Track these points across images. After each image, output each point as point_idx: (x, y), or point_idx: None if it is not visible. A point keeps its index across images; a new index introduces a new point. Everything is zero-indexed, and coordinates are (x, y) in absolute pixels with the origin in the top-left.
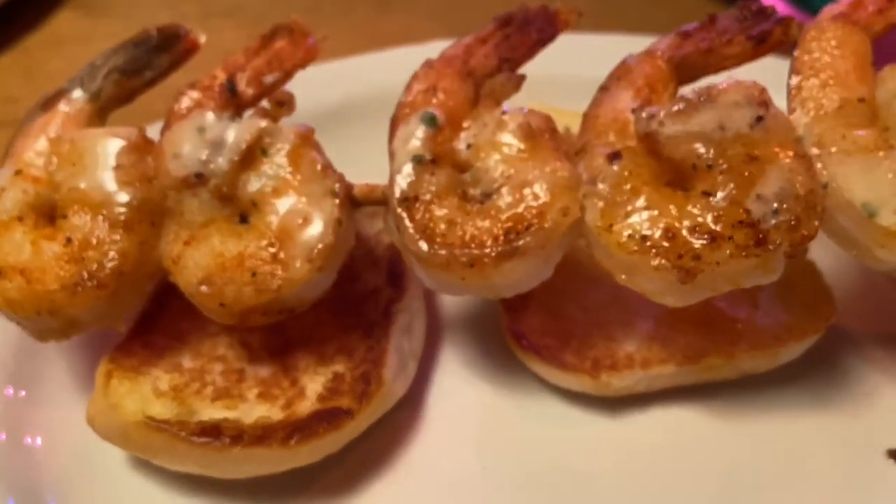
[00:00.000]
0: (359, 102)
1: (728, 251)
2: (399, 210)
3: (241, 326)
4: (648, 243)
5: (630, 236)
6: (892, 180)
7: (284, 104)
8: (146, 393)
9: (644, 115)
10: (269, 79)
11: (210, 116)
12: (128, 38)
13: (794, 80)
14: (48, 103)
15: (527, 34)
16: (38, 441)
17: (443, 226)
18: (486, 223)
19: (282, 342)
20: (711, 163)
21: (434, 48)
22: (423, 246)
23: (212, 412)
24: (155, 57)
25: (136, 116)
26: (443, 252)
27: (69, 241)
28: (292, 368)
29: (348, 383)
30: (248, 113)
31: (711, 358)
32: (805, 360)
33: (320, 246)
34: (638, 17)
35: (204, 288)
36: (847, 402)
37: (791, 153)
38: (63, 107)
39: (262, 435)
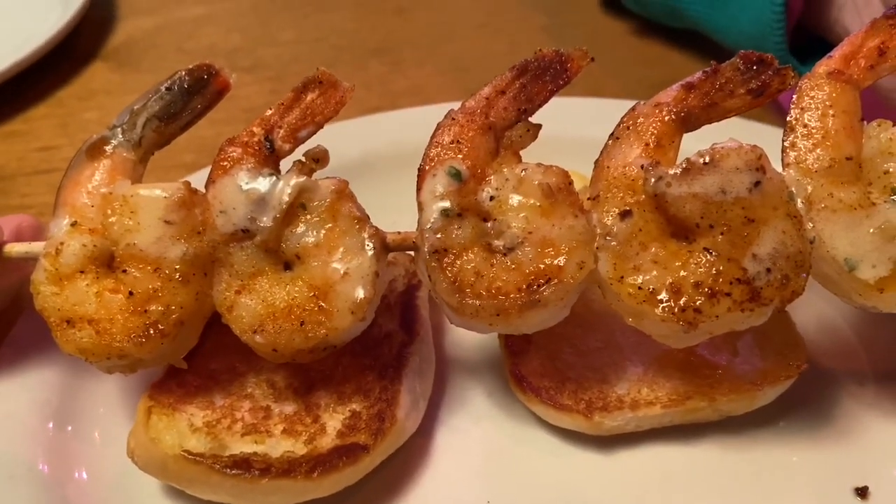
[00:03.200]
0: (376, 158)
1: (726, 306)
2: (431, 262)
3: (290, 362)
4: (655, 296)
5: (639, 288)
6: (871, 237)
7: (319, 160)
8: (182, 428)
9: (653, 177)
10: (303, 133)
11: (252, 174)
12: (160, 83)
13: (789, 137)
14: (92, 151)
15: (542, 82)
16: (84, 475)
17: (471, 278)
18: (511, 276)
19: (304, 382)
20: (713, 223)
21: (445, 108)
22: (455, 297)
23: (242, 446)
24: (189, 100)
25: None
26: (471, 302)
27: (132, 294)
28: (314, 406)
29: (365, 421)
30: (286, 167)
31: (694, 401)
32: (780, 404)
33: (361, 298)
34: (633, 78)
35: (258, 338)
36: (818, 443)
37: (784, 214)
38: (107, 156)
39: (288, 468)
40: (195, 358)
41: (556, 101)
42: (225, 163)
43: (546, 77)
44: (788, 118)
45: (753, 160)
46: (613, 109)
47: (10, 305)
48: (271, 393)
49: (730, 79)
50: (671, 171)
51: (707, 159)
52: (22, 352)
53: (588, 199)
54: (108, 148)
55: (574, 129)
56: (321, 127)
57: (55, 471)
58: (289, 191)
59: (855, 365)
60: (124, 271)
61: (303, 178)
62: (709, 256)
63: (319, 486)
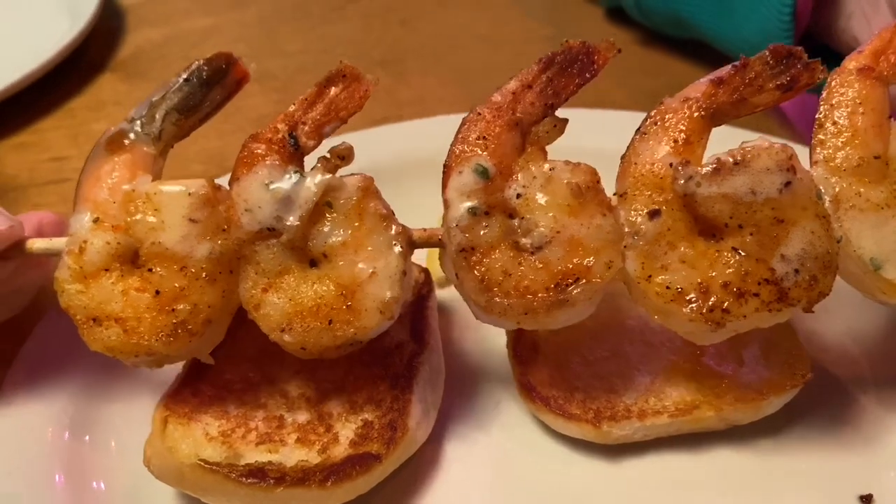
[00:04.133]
0: (383, 168)
1: (754, 307)
2: (459, 261)
3: (318, 358)
4: (684, 296)
5: (667, 288)
6: None
7: (345, 157)
8: (198, 437)
9: (683, 177)
10: (328, 129)
11: (277, 172)
12: (178, 74)
13: (817, 135)
14: (111, 145)
15: (569, 76)
16: (102, 485)
17: (499, 277)
18: (539, 275)
19: (317, 391)
20: (742, 223)
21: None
22: (483, 297)
23: (256, 455)
24: (209, 91)
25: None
26: (500, 301)
27: (158, 293)
28: (326, 416)
29: (377, 430)
30: (311, 164)
31: (701, 410)
32: (784, 413)
33: (389, 298)
34: (637, 88)
35: (287, 336)
36: (822, 451)
37: (813, 214)
38: (126, 150)
39: (302, 477)
40: (210, 368)
41: (563, 112)
42: (249, 160)
43: (573, 70)
44: (818, 115)
45: (784, 160)
46: (619, 120)
47: (32, 304)
48: (284, 402)
49: (759, 73)
50: (701, 171)
51: (738, 159)
52: (38, 363)
53: (615, 194)
54: (126, 142)
55: (580, 140)
56: (345, 121)
57: (72, 480)
58: (315, 189)
59: (857, 375)
60: (150, 270)
61: (328, 177)
62: (737, 256)
63: (333, 495)
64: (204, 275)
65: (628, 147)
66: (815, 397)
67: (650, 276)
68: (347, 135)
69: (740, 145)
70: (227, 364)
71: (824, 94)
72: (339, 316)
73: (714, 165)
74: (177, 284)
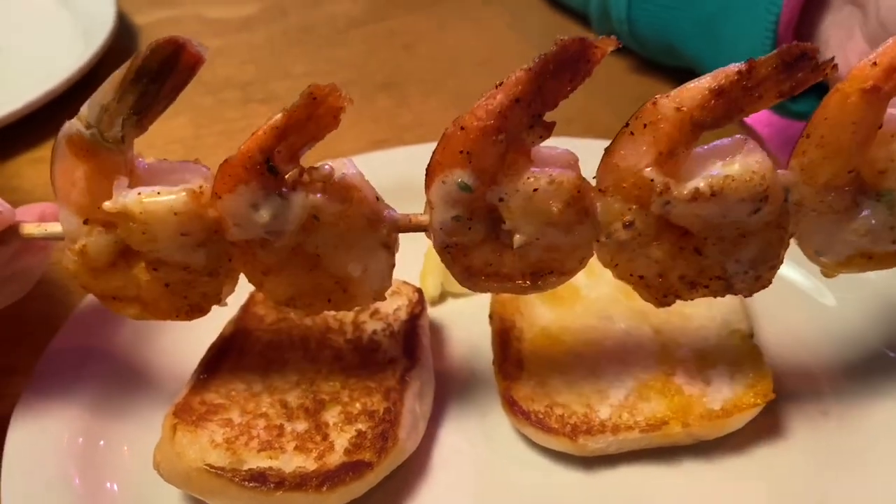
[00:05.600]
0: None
1: (702, 294)
2: (443, 255)
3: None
4: (643, 280)
5: (630, 274)
6: (845, 235)
7: (325, 182)
8: (204, 444)
9: (660, 200)
10: (304, 150)
11: (258, 196)
12: (126, 70)
13: (803, 142)
14: (74, 148)
15: (561, 80)
16: (115, 486)
17: (481, 266)
18: (517, 265)
19: (315, 402)
20: (708, 235)
21: None
22: (467, 282)
23: (258, 461)
24: (162, 86)
25: None
26: (482, 284)
27: (168, 285)
28: (323, 425)
29: (370, 440)
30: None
31: (670, 426)
32: (748, 430)
33: (381, 287)
34: (627, 114)
35: (291, 309)
36: (782, 466)
37: (774, 226)
38: (93, 155)
39: (300, 482)
40: (214, 379)
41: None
42: (229, 183)
43: (565, 74)
44: (810, 122)
45: (760, 193)
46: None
47: (45, 317)
48: (284, 412)
49: (763, 79)
50: (679, 196)
51: (716, 190)
52: (56, 374)
53: (597, 188)
54: (89, 147)
55: None
56: (322, 139)
57: (88, 482)
58: (299, 212)
59: (818, 396)
60: (155, 269)
61: (311, 197)
62: (697, 257)
63: (328, 499)
64: (206, 272)
65: (615, 139)
66: (777, 416)
67: (617, 265)
68: (350, 158)
69: (722, 172)
70: (232, 375)
71: (821, 106)
72: (336, 297)
73: (692, 194)
74: (183, 279)
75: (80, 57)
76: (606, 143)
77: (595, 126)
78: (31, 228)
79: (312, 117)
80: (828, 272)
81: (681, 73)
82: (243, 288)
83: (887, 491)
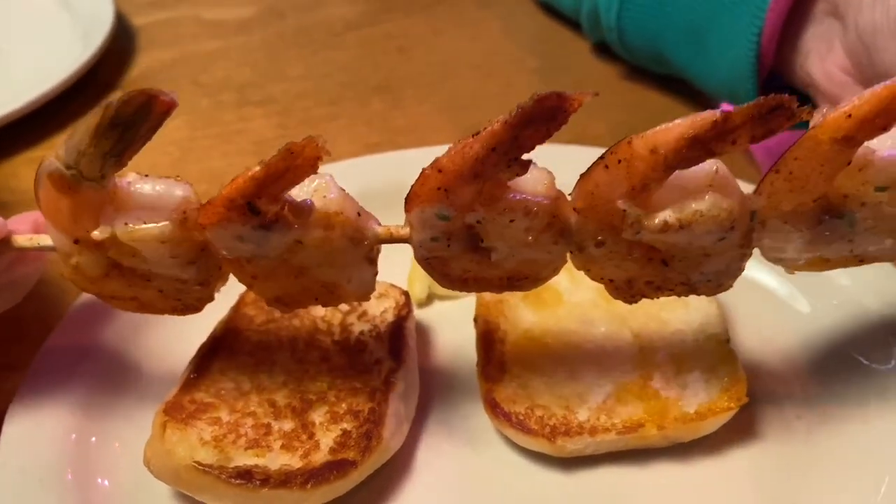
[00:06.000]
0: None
1: (666, 294)
2: (423, 264)
3: None
4: (613, 283)
5: (602, 278)
6: (799, 247)
7: (304, 215)
8: (193, 441)
9: (631, 230)
10: (284, 193)
11: (243, 229)
12: (100, 118)
13: (772, 176)
14: (57, 184)
15: (538, 130)
16: (106, 482)
17: (460, 274)
18: (494, 273)
19: (301, 402)
20: (675, 255)
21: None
22: (447, 285)
23: (245, 459)
24: (138, 131)
25: None
26: (460, 287)
27: (161, 291)
28: (309, 425)
29: (354, 439)
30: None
31: (646, 428)
32: (722, 433)
33: (365, 292)
34: (615, 121)
35: (279, 306)
36: (754, 468)
37: (737, 246)
38: (76, 191)
39: (285, 479)
40: (205, 378)
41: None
42: (211, 219)
43: (542, 125)
44: (782, 157)
45: (726, 226)
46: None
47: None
48: (272, 411)
49: (737, 127)
50: (649, 225)
51: (685, 224)
52: (50, 372)
53: (572, 205)
54: (71, 183)
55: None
56: (301, 181)
57: (79, 477)
58: (282, 241)
59: (791, 400)
60: (148, 280)
61: (292, 231)
62: (664, 268)
63: (312, 496)
64: (198, 284)
65: (591, 169)
66: (751, 420)
67: (589, 270)
68: (339, 162)
69: (693, 207)
70: (221, 375)
71: (793, 147)
72: (324, 297)
73: (661, 226)
74: (176, 288)
75: (78, 58)
76: (595, 150)
77: (584, 133)
78: (23, 241)
79: (290, 168)
80: (788, 271)
81: (670, 81)
82: (234, 288)
83: (857, 494)
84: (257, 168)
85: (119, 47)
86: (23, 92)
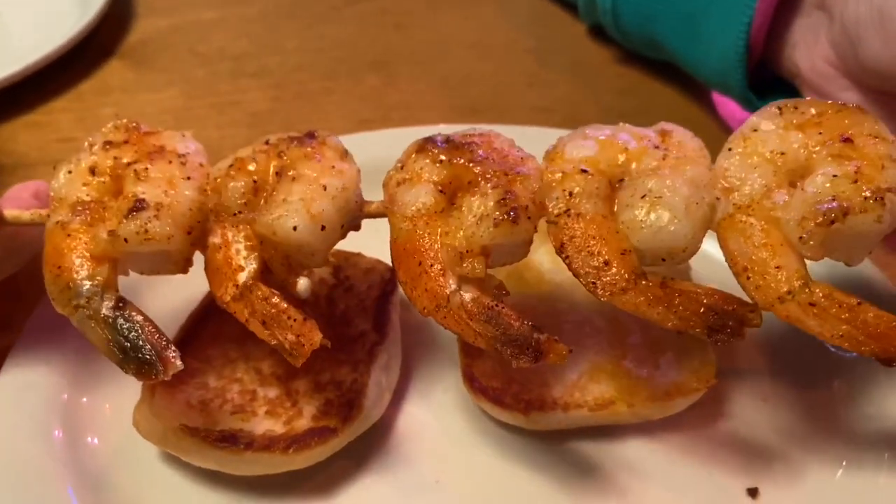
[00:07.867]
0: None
1: None
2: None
3: None
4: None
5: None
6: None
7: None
8: (181, 405)
9: None
10: None
11: None
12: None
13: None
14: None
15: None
16: (95, 440)
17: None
18: None
19: (287, 371)
20: None
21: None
22: None
23: (230, 423)
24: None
25: None
26: None
27: None
28: (294, 392)
29: (336, 408)
30: None
31: (616, 406)
32: (690, 412)
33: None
34: (607, 106)
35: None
36: (719, 447)
37: None
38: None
39: (268, 444)
40: (194, 343)
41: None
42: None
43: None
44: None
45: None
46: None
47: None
48: (258, 378)
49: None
50: None
51: None
52: (43, 333)
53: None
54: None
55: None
56: None
57: (69, 436)
58: None
59: (760, 385)
60: None
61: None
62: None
63: (294, 461)
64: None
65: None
66: (718, 400)
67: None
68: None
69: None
70: (211, 341)
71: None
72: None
73: None
74: None
75: (77, 22)
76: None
77: (577, 116)
78: (15, 214)
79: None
80: None
81: (663, 66)
82: None
83: (817, 476)
84: None
85: (118, 13)
86: (21, 56)
